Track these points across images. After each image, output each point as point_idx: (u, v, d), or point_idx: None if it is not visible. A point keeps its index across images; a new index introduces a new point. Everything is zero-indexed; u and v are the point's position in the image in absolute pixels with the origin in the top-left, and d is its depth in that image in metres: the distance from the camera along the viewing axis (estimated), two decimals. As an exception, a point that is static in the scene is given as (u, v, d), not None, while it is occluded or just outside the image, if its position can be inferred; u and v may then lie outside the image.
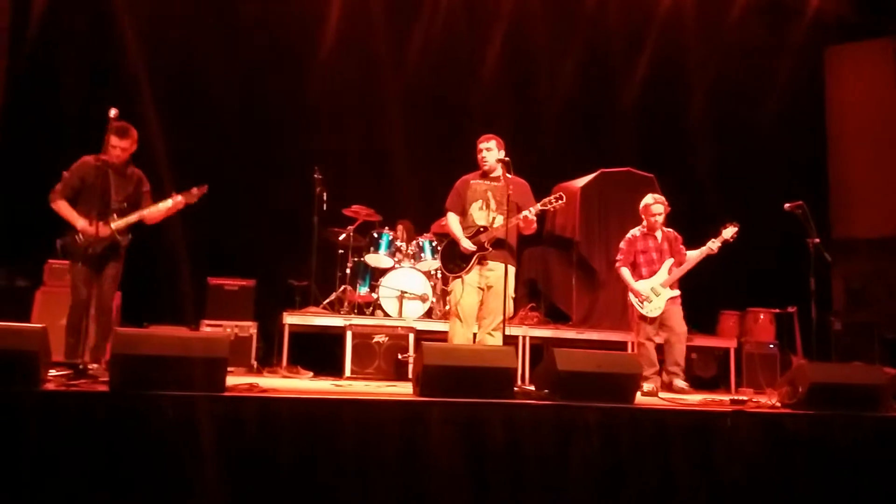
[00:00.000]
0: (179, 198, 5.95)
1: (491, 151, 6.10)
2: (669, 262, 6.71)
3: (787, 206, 6.50)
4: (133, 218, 5.86)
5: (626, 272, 6.88)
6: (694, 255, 6.68)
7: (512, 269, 6.06)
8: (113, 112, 5.38)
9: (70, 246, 5.78)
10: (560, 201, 5.93)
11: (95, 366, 5.15)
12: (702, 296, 6.99)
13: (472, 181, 6.26)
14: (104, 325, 5.86)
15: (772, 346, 8.86)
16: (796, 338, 8.55)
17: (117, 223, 5.78)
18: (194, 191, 5.99)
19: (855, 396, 4.97)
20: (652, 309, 6.67)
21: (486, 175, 6.21)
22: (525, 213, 5.92)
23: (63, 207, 5.78)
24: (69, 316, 5.80)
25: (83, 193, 5.80)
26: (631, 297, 6.84)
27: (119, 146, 5.77)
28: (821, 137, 11.12)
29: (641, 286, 6.73)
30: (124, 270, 6.68)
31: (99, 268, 5.84)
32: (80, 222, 5.72)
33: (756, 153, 10.40)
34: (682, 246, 6.85)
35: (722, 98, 10.47)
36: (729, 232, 6.60)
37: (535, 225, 6.11)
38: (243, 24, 9.28)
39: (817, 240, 6.34)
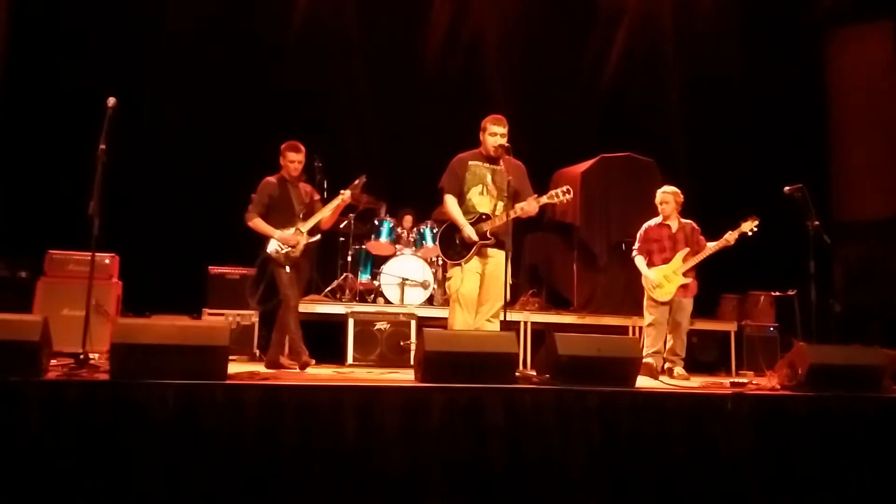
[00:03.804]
0: (347, 193, 6.32)
1: (505, 137, 5.85)
2: (684, 251, 6.78)
3: (786, 189, 6.49)
4: (314, 220, 6.32)
5: (640, 260, 6.98)
6: (711, 246, 6.74)
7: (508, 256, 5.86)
8: (111, 101, 5.33)
9: (274, 256, 6.21)
10: (567, 195, 5.71)
11: (97, 355, 5.15)
12: (702, 279, 6.98)
13: (470, 161, 5.98)
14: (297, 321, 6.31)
15: (772, 328, 8.87)
16: (796, 320, 8.54)
17: (306, 227, 6.28)
18: (356, 182, 6.38)
19: (854, 377, 5.01)
20: (663, 294, 6.76)
21: (486, 158, 5.98)
22: (532, 203, 5.74)
23: (259, 224, 6.28)
24: (280, 317, 6.28)
25: (272, 209, 6.32)
26: (644, 282, 6.89)
27: (297, 160, 6.35)
28: (821, 120, 11.08)
29: (654, 273, 6.82)
30: (127, 261, 7.15)
31: (299, 270, 6.34)
32: (278, 233, 6.23)
33: (756, 136, 10.37)
34: (701, 237, 6.91)
35: (722, 81, 10.44)
36: (748, 225, 6.63)
37: (536, 212, 5.93)
38: (244, 8, 9.29)
39: (817, 222, 6.34)
